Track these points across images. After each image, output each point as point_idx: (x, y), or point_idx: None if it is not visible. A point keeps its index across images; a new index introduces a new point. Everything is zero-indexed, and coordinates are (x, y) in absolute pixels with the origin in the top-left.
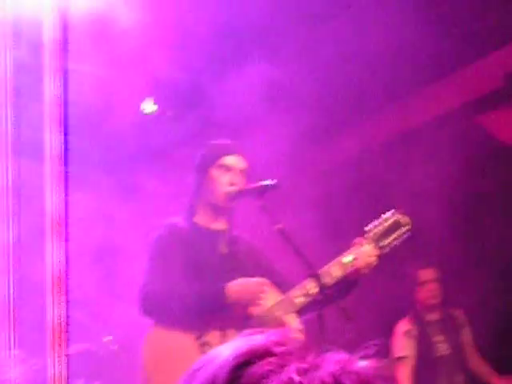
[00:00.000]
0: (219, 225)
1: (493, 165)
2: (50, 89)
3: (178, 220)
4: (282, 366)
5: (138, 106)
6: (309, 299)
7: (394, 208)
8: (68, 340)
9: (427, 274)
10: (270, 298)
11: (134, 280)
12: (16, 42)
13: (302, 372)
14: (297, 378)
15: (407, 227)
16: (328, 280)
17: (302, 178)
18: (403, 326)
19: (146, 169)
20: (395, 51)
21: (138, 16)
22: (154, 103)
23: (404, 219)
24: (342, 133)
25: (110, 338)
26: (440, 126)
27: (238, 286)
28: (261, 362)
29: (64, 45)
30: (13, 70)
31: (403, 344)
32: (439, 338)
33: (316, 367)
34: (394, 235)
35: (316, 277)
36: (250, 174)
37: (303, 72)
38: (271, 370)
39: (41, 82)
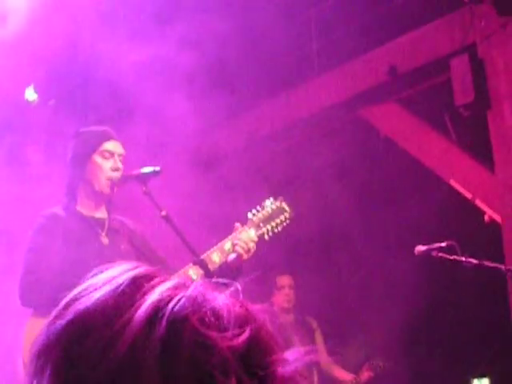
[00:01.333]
0: (101, 213)
1: (375, 157)
2: None
3: (58, 209)
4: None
5: (22, 95)
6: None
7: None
8: None
9: (284, 280)
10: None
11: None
12: None
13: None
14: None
15: (288, 214)
16: (210, 266)
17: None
18: None
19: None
20: (278, 43)
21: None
22: (35, 91)
23: (285, 206)
24: (224, 126)
25: None
26: (324, 119)
27: None
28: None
29: None
30: None
31: None
32: (294, 338)
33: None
34: (277, 221)
35: (199, 263)
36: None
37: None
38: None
39: None
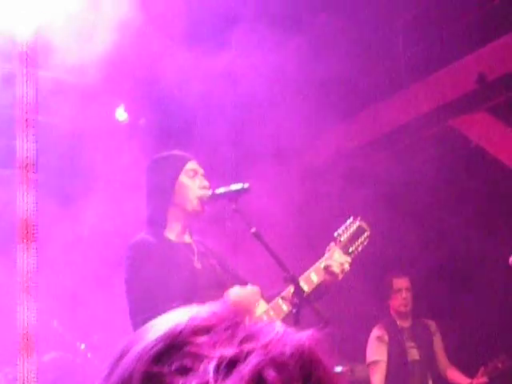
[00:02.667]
0: (187, 237)
1: (467, 167)
2: (22, 96)
3: (147, 237)
4: (200, 361)
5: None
6: (292, 305)
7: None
8: (40, 348)
9: (401, 282)
10: (260, 306)
11: (107, 288)
12: None
13: (220, 369)
14: (211, 381)
15: (368, 233)
16: (308, 286)
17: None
18: (376, 332)
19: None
20: (368, 56)
21: (114, 28)
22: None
23: (365, 225)
24: (316, 139)
25: (84, 345)
26: (414, 129)
27: (234, 297)
28: (176, 357)
29: (35, 53)
30: None
31: (375, 348)
32: (411, 343)
33: (239, 357)
34: (359, 241)
35: (291, 279)
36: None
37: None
38: (187, 368)
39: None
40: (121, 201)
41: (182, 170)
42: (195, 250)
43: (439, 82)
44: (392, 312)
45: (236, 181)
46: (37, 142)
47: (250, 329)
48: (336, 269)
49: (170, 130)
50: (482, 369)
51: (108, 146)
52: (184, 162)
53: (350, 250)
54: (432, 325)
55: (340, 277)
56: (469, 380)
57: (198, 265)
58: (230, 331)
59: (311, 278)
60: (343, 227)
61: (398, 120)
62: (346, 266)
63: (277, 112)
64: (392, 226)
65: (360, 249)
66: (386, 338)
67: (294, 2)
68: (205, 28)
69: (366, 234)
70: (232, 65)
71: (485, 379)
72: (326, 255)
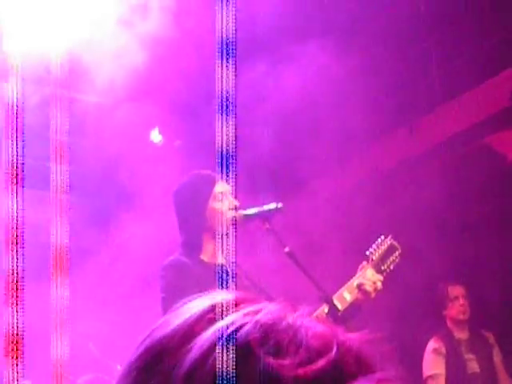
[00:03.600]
0: (220, 257)
1: (502, 183)
2: (56, 120)
3: (183, 258)
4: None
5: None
6: None
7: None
8: (75, 371)
9: (457, 290)
10: None
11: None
12: (23, 76)
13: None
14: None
15: (399, 251)
16: (341, 304)
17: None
18: (433, 344)
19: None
20: (402, 74)
21: (146, 49)
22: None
23: (396, 244)
24: (351, 157)
25: (120, 367)
26: (449, 147)
27: None
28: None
29: (70, 77)
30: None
31: (433, 362)
32: (469, 356)
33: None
34: (391, 259)
35: (330, 301)
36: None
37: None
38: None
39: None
40: (157, 222)
41: (210, 194)
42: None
43: (473, 100)
44: (448, 322)
45: (276, 198)
46: (71, 164)
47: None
48: (369, 287)
49: (207, 151)
50: None
51: (143, 167)
52: (212, 185)
53: (382, 268)
54: (490, 337)
55: (373, 295)
56: None
57: (231, 285)
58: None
59: (344, 297)
60: (375, 246)
61: (434, 138)
62: (379, 285)
63: (315, 134)
64: (434, 242)
65: (392, 267)
66: (444, 350)
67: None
68: (241, 46)
69: (397, 253)
70: (266, 81)
71: None
72: (359, 274)
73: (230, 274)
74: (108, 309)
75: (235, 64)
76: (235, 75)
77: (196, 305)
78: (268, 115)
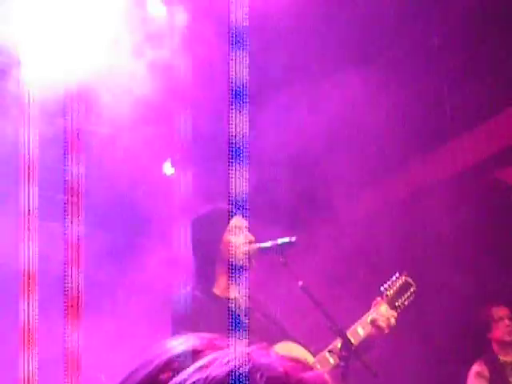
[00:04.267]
0: (233, 291)
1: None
2: (72, 152)
3: (196, 292)
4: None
5: (160, 168)
6: (340, 358)
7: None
8: None
9: (501, 312)
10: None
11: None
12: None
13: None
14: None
15: (414, 288)
16: (354, 339)
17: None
18: (476, 368)
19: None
20: (411, 107)
21: (155, 80)
22: (172, 166)
23: (410, 281)
24: (360, 190)
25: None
26: (460, 181)
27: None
28: None
29: (83, 107)
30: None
31: None
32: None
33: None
34: (405, 296)
35: (344, 335)
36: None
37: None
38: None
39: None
40: (170, 254)
41: (226, 227)
42: (241, 305)
43: (484, 134)
44: (494, 345)
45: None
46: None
47: None
48: (382, 323)
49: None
50: None
51: (156, 199)
52: (228, 219)
53: (397, 304)
54: None
55: (386, 331)
56: None
57: (244, 319)
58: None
59: (358, 332)
60: (389, 282)
61: (444, 172)
62: (393, 321)
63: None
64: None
65: (406, 303)
66: (487, 373)
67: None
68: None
69: (412, 289)
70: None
71: None
72: (373, 309)
73: (243, 308)
74: (121, 340)
75: (248, 108)
76: (247, 120)
77: (158, 354)
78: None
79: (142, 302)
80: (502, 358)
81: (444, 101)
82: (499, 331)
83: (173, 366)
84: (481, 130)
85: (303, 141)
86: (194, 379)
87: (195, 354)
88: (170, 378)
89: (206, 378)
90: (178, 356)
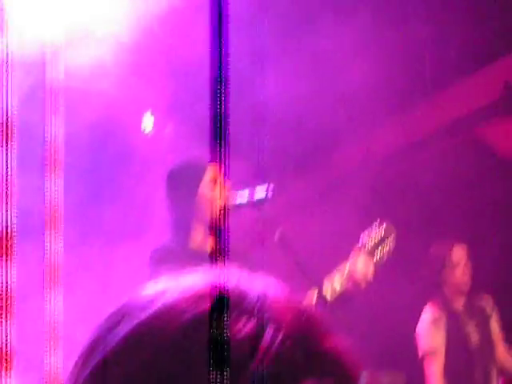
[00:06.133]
0: (209, 246)
1: (492, 176)
2: (50, 108)
3: (172, 245)
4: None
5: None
6: None
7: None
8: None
9: (460, 253)
10: None
11: None
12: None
13: None
14: None
15: (393, 235)
16: (331, 291)
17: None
18: (430, 315)
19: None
20: (393, 64)
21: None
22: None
23: (391, 229)
24: (343, 145)
25: None
26: (438, 139)
27: None
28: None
29: (62, 63)
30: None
31: (432, 335)
32: (469, 327)
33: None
34: (384, 245)
35: (320, 290)
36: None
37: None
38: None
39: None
40: (149, 212)
41: (201, 181)
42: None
43: (464, 91)
44: (447, 289)
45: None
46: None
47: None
48: (359, 276)
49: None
50: None
51: (133, 153)
52: (202, 171)
53: (376, 253)
54: (488, 303)
55: (363, 285)
56: None
57: None
58: None
59: (334, 286)
60: (369, 230)
61: (423, 129)
62: (370, 274)
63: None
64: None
65: (386, 252)
66: (443, 320)
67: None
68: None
69: (392, 237)
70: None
71: None
72: (350, 261)
73: (220, 262)
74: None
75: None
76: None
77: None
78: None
79: (120, 252)
80: (455, 303)
81: (424, 57)
82: (456, 276)
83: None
84: (461, 86)
85: (291, 95)
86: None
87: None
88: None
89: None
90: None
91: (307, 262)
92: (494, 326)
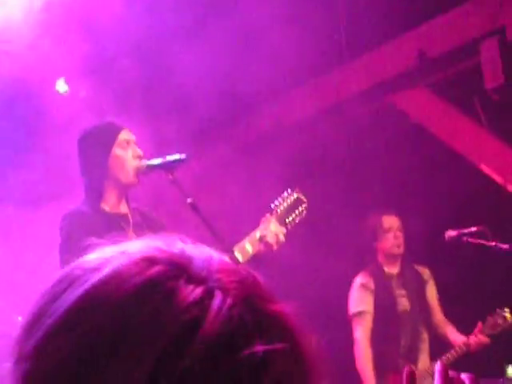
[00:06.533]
0: (123, 208)
1: (405, 144)
2: None
3: (83, 207)
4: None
5: (53, 86)
6: None
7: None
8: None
9: (392, 221)
10: None
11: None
12: None
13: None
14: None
15: (305, 205)
16: (243, 256)
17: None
18: (360, 279)
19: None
20: (307, 29)
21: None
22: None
23: (302, 197)
24: (254, 113)
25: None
26: (354, 105)
27: None
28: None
29: None
30: None
31: (360, 298)
32: (401, 292)
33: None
34: (296, 212)
35: (231, 253)
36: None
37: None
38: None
39: None
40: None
41: (114, 141)
42: (131, 220)
43: (380, 58)
44: (379, 256)
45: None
46: None
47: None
48: (271, 239)
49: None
50: (480, 325)
51: (48, 117)
52: (116, 132)
53: (287, 221)
54: (425, 272)
55: (275, 247)
56: (464, 337)
57: (132, 236)
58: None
59: (246, 249)
60: (280, 198)
61: (338, 95)
62: (281, 237)
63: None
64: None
65: (297, 220)
66: (372, 285)
67: None
68: None
69: (303, 206)
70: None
71: (483, 337)
72: (262, 226)
73: (131, 223)
74: (36, 281)
75: None
76: None
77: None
78: None
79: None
80: (386, 269)
81: (338, 24)
82: (388, 242)
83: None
84: (375, 53)
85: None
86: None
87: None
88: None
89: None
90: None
91: (220, 227)
92: (431, 292)
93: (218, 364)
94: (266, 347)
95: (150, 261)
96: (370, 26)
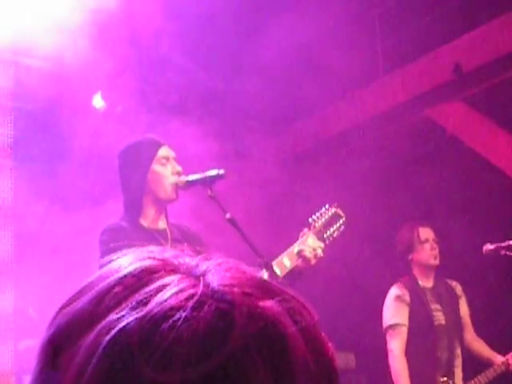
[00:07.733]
0: (162, 223)
1: (442, 156)
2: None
3: (122, 222)
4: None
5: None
6: None
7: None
8: (17, 335)
9: (428, 232)
10: None
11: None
12: None
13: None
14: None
15: (343, 220)
16: (281, 270)
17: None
18: (396, 291)
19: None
20: (344, 44)
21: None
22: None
23: (340, 212)
24: (292, 126)
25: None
26: (390, 119)
27: None
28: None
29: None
30: None
31: (395, 310)
32: (436, 306)
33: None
34: (334, 227)
35: (265, 265)
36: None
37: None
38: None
39: None
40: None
41: (153, 158)
42: (169, 236)
43: (416, 72)
44: (414, 268)
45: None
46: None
47: None
48: (309, 254)
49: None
50: None
51: (85, 132)
52: (155, 149)
53: (325, 235)
54: (457, 287)
55: (313, 262)
56: (501, 357)
57: None
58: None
59: (284, 263)
60: (318, 213)
61: (375, 109)
62: (319, 252)
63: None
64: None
65: (335, 235)
66: (408, 298)
67: None
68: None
69: (341, 221)
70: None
71: None
72: (300, 240)
73: (169, 239)
74: (49, 272)
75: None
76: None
77: (109, 273)
78: None
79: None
80: (421, 282)
81: (375, 38)
82: (424, 253)
83: (117, 291)
84: (412, 67)
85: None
86: (126, 320)
87: (149, 274)
88: (112, 308)
89: (144, 317)
90: (129, 275)
91: (258, 243)
92: (464, 308)
93: None
94: None
95: (155, 272)
96: (405, 39)
